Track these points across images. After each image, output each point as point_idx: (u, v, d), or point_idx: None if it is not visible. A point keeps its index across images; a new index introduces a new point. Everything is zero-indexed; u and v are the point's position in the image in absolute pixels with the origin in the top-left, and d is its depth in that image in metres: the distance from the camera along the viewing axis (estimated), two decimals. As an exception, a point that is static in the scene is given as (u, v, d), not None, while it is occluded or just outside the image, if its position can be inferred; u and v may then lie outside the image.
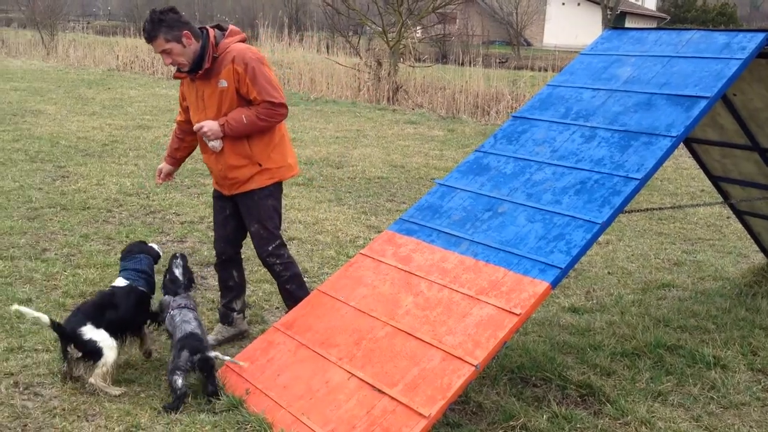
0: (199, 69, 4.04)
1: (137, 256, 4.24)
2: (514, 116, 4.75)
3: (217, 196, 4.45)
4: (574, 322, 4.99)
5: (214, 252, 4.59)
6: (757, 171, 5.54)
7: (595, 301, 5.44)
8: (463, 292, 3.68)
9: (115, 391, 3.78)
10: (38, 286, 5.14)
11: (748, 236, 6.39)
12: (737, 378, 4.26)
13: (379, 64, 17.46)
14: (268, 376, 3.75)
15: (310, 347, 3.80)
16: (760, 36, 4.24)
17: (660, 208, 7.59)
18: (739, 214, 6.17)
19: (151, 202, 7.48)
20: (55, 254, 5.81)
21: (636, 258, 6.56)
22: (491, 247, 3.84)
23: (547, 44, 44.27)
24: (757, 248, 6.39)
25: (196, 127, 4.13)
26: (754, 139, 5.32)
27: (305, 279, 5.58)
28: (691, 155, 6.07)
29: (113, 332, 3.85)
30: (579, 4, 50.59)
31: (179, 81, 4.30)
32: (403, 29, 17.62)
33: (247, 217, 4.30)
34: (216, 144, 4.13)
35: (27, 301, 4.83)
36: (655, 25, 47.02)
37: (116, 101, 14.80)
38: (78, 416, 3.57)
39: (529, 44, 46.83)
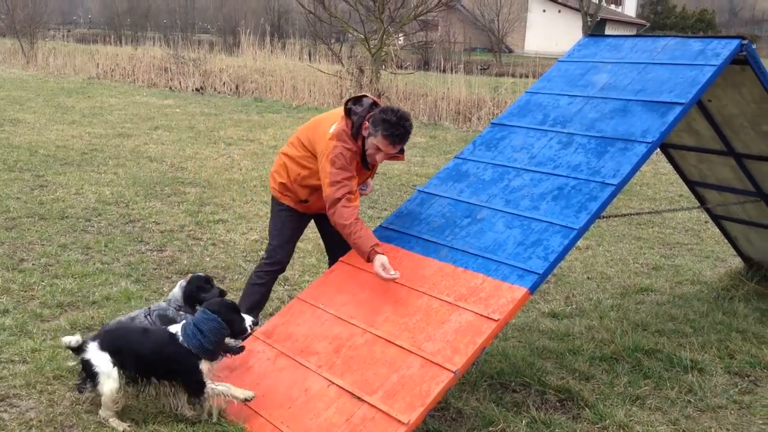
0: None
1: None
2: (493, 123, 4.78)
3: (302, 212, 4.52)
4: (553, 327, 5.01)
5: (267, 263, 4.52)
6: (732, 176, 5.61)
7: (574, 306, 5.48)
8: (442, 299, 3.69)
9: None
10: (15, 297, 5.08)
11: (726, 240, 6.46)
12: (714, 381, 4.30)
13: (361, 71, 17.47)
14: (247, 384, 3.73)
15: (289, 355, 3.79)
16: (734, 43, 4.29)
17: (638, 213, 7.67)
18: (716, 219, 6.23)
19: (131, 211, 7.43)
20: (33, 264, 5.76)
21: (615, 263, 6.61)
22: (470, 253, 3.86)
23: (528, 51, 44.59)
24: (734, 252, 6.45)
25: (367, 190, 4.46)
26: (729, 144, 5.38)
27: (286, 287, 5.60)
28: (668, 160, 6.13)
29: None
30: (560, 12, 50.98)
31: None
32: (384, 36, 17.66)
33: None
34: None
35: (4, 312, 4.79)
36: (634, 32, 47.51)
37: (96, 109, 14.71)
38: (54, 428, 3.53)
39: (510, 51, 47.09)
